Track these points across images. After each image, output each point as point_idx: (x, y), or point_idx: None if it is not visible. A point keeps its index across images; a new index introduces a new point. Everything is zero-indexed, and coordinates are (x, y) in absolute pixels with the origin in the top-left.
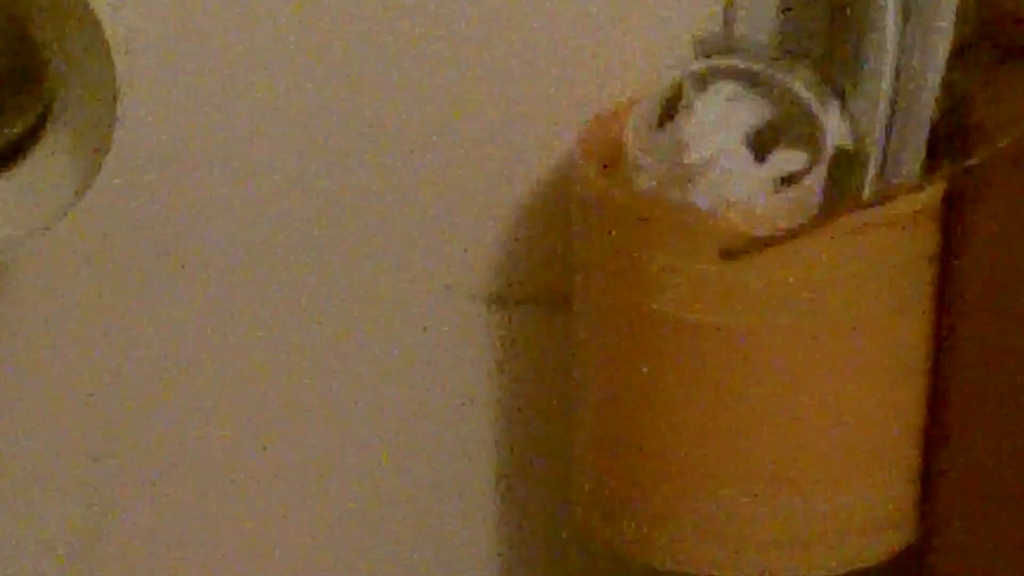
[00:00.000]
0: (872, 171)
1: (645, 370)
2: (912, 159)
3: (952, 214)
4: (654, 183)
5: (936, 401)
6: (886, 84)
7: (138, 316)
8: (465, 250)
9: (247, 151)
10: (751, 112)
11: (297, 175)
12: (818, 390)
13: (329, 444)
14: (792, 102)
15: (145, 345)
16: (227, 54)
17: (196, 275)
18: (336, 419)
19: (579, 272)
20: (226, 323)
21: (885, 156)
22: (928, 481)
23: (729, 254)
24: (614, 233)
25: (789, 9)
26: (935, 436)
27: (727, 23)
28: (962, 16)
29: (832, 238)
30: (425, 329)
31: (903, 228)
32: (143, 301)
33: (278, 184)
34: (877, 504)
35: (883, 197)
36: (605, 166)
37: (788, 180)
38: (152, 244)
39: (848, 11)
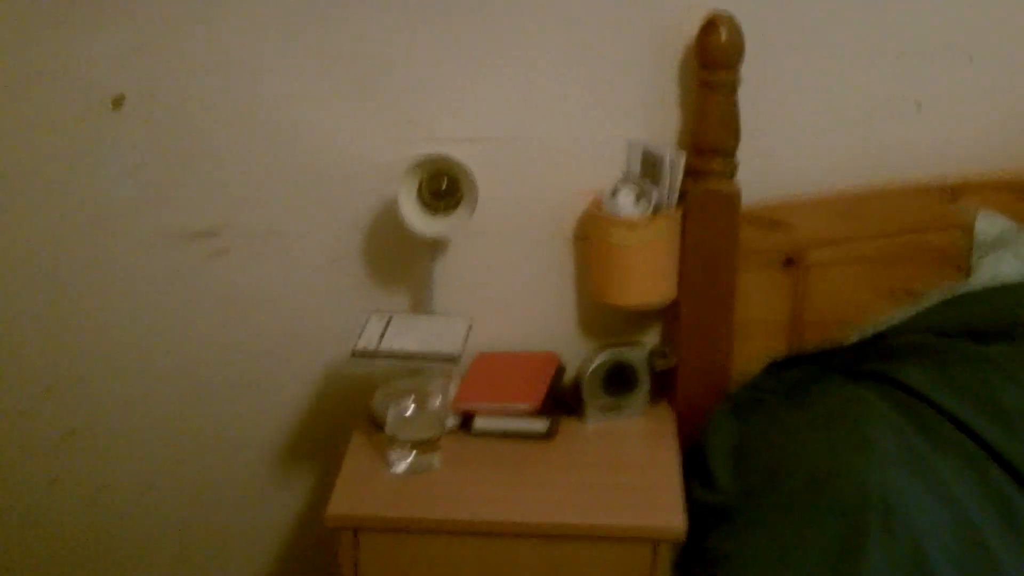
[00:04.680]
0: (663, 206)
1: (606, 255)
2: (673, 203)
3: (684, 215)
4: (609, 210)
5: (684, 252)
6: (667, 184)
7: None
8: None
9: None
10: (632, 192)
11: None
12: (648, 257)
13: None
14: (643, 189)
15: None
16: None
17: None
18: None
19: (588, 231)
20: None
21: (667, 202)
22: (680, 279)
23: (628, 226)
24: (597, 221)
25: (642, 169)
26: (682, 263)
27: (628, 171)
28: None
29: (653, 221)
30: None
31: (673, 218)
32: None
33: None
34: (666, 283)
35: (665, 212)
36: (597, 206)
37: (643, 210)
38: None
39: (655, 166)
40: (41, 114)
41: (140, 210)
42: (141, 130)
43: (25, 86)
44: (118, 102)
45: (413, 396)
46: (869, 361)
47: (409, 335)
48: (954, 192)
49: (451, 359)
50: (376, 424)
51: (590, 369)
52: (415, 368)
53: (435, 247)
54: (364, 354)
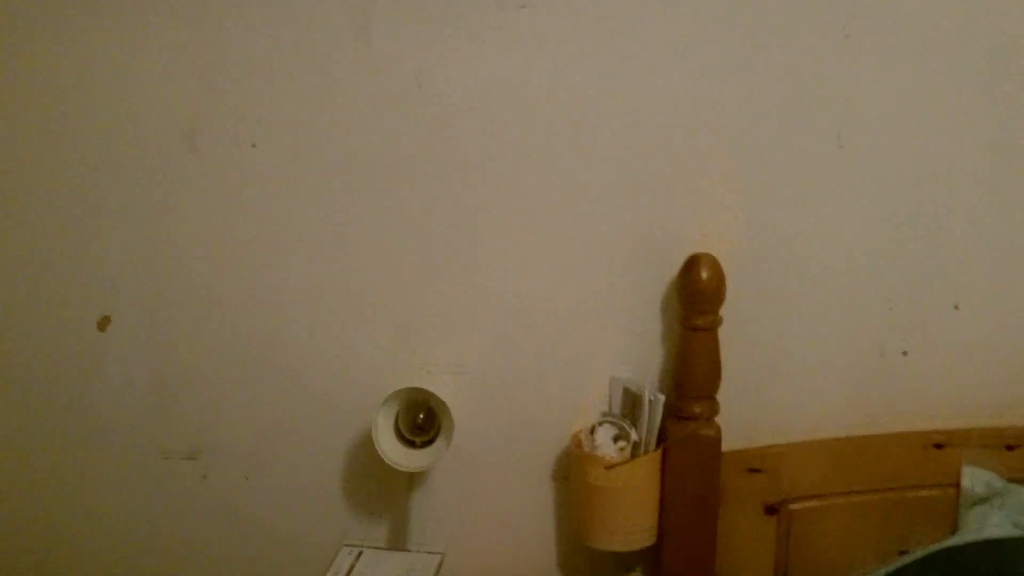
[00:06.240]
0: (642, 447)
1: (586, 496)
2: (653, 443)
3: (664, 457)
4: (589, 449)
5: (664, 495)
6: (646, 424)
7: None
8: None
9: None
10: (612, 432)
11: None
12: (626, 499)
13: None
14: (623, 429)
15: None
16: None
17: None
18: None
19: (568, 469)
20: None
21: (646, 443)
22: (661, 523)
23: (607, 467)
24: (576, 460)
25: (622, 407)
26: (662, 506)
27: (610, 409)
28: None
29: (632, 464)
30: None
31: (653, 461)
32: None
33: None
34: (646, 526)
35: (644, 454)
36: (577, 445)
37: (622, 449)
38: None
39: (635, 405)
40: (32, 332)
41: (131, 427)
42: (128, 348)
43: (19, 311)
44: (104, 324)
45: None
46: None
47: (379, 572)
48: (940, 444)
49: None
50: None
51: None
52: None
53: (413, 477)
54: None
